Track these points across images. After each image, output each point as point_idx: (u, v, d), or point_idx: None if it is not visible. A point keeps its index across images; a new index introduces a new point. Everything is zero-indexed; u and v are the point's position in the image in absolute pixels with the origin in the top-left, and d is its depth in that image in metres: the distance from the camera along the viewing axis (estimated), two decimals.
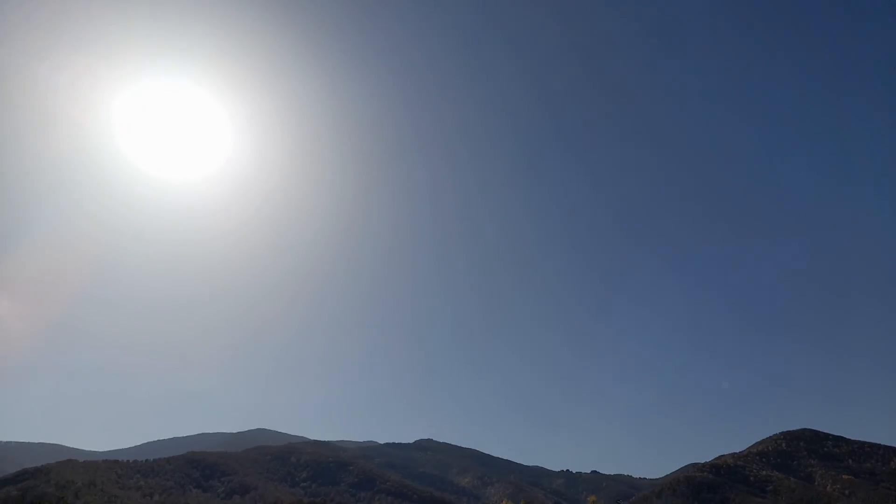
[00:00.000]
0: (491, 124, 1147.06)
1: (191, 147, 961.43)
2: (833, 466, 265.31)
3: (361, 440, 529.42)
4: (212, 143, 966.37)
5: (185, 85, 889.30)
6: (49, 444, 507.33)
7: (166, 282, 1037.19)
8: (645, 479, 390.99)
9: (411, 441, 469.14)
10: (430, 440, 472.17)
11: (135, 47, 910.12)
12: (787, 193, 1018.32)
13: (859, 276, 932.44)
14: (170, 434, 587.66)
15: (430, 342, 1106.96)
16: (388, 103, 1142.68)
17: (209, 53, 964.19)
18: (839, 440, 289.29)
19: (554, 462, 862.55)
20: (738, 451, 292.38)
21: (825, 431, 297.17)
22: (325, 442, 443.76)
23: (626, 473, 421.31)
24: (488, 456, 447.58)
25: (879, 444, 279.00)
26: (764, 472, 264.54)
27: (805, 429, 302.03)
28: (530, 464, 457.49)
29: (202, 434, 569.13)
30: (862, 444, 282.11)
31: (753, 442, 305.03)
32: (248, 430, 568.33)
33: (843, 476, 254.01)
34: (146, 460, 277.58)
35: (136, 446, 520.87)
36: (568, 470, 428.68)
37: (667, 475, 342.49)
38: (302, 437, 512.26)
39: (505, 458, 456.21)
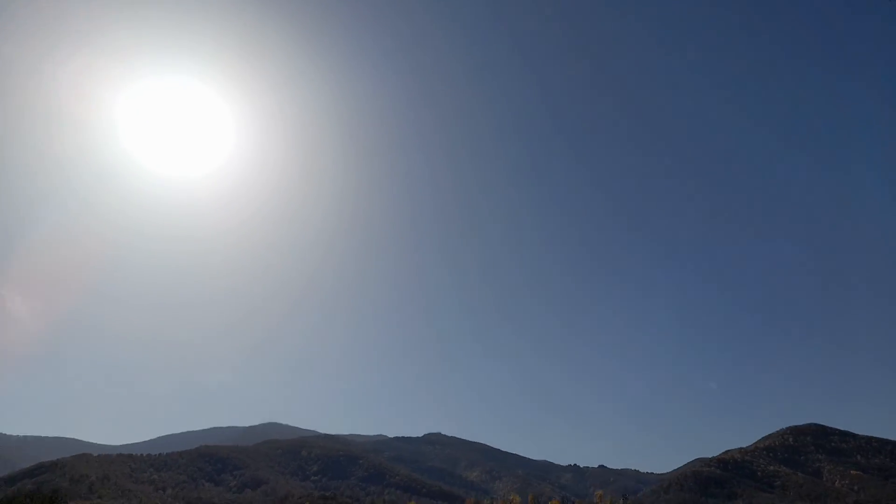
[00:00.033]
0: (494, 122, 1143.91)
1: (194, 144, 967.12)
2: (841, 462, 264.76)
3: (371, 434, 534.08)
4: (215, 140, 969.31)
5: (188, 82, 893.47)
6: (65, 438, 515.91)
7: (178, 278, 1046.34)
8: (652, 473, 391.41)
9: (420, 435, 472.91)
10: (439, 434, 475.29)
11: (138, 45, 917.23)
12: (789, 191, 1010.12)
13: (867, 270, 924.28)
14: (183, 428, 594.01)
15: (438, 337, 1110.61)
16: (390, 101, 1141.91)
17: (212, 51, 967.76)
18: (846, 435, 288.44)
19: (562, 456, 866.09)
20: (745, 446, 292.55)
21: (832, 426, 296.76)
22: (335, 436, 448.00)
23: (633, 468, 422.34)
24: (497, 450, 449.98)
25: (888, 440, 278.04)
26: (771, 468, 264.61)
27: (812, 423, 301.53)
28: (538, 458, 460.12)
29: (215, 428, 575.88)
30: (870, 440, 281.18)
31: (760, 437, 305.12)
32: (260, 425, 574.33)
33: (852, 471, 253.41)
34: (159, 454, 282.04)
35: (149, 440, 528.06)
36: (576, 464, 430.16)
37: (674, 470, 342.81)
38: (313, 431, 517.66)
39: (513, 452, 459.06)
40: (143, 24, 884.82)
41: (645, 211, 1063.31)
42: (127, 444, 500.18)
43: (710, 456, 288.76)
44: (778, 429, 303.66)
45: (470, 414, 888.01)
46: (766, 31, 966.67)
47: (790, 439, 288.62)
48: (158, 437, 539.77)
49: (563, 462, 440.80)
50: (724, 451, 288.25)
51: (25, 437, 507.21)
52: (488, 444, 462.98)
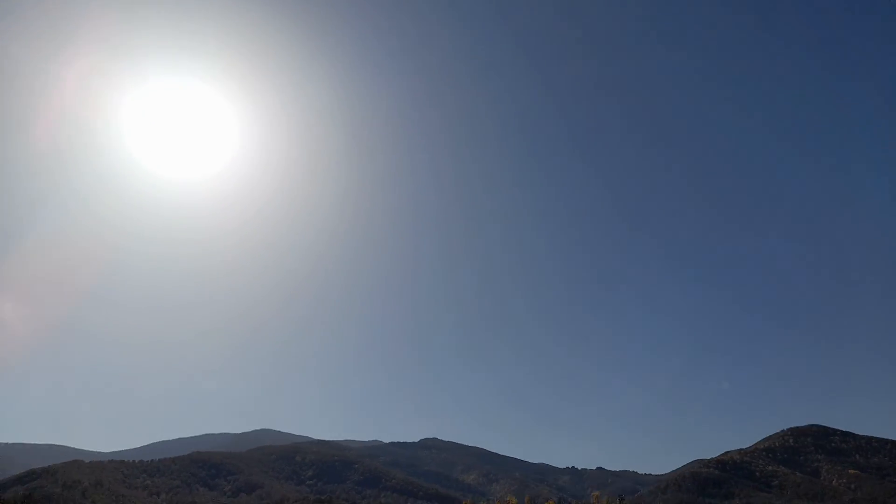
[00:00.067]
0: (497, 122, 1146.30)
1: (197, 145, 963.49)
2: (840, 462, 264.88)
3: (366, 440, 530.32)
4: (218, 142, 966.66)
5: (191, 83, 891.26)
6: (55, 445, 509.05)
7: (171, 282, 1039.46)
8: (650, 475, 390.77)
9: (416, 440, 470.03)
10: (435, 439, 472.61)
11: (143, 46, 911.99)
12: (789, 190, 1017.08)
13: (866, 271, 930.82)
14: (174, 435, 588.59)
15: (434, 341, 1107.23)
16: (394, 101, 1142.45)
17: (217, 52, 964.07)
18: (847, 435, 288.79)
19: (559, 459, 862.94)
20: (744, 447, 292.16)
21: (833, 427, 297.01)
22: (329, 441, 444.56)
23: (631, 470, 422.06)
24: (494, 454, 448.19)
25: (887, 439, 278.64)
26: (770, 468, 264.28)
27: (813, 424, 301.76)
28: (536, 461, 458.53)
29: (207, 435, 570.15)
30: (869, 440, 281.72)
31: (761, 438, 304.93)
32: (253, 431, 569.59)
33: (850, 471, 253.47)
34: (152, 460, 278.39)
35: (141, 447, 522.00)
36: (573, 466, 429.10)
37: (672, 471, 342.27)
38: (307, 437, 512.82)
39: (510, 455, 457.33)
40: (148, 25, 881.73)
41: (645, 210, 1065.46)
42: (118, 451, 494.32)
43: (710, 457, 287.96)
44: (779, 430, 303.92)
45: (467, 418, 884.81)
46: (766, 31, 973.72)
47: (790, 440, 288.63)
48: (150, 444, 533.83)
49: (561, 464, 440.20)
50: (723, 452, 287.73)
51: (15, 444, 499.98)
52: (485, 447, 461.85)
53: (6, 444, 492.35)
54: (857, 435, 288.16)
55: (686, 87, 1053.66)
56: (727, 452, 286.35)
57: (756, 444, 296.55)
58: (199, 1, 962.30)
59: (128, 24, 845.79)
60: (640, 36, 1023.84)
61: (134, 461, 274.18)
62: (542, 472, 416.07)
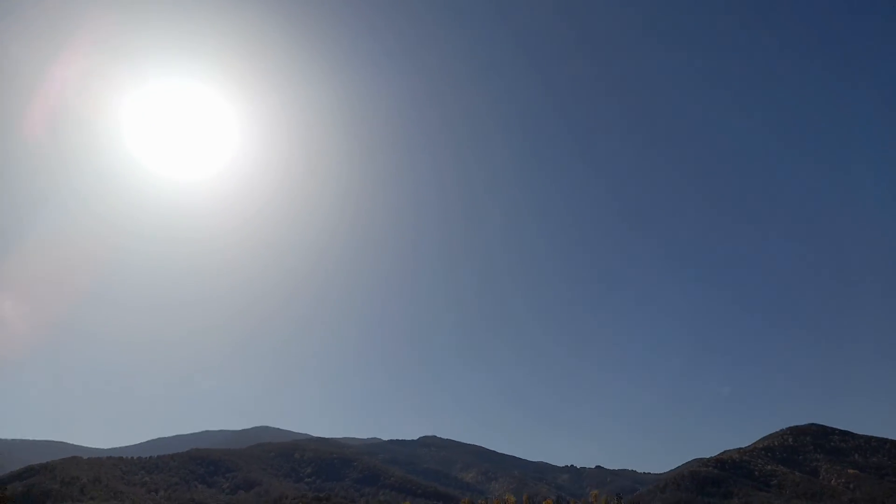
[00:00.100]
0: (498, 122, 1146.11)
1: (197, 146, 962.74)
2: (839, 461, 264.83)
3: (365, 437, 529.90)
4: (218, 142, 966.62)
5: (191, 84, 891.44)
6: (54, 441, 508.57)
7: (171, 280, 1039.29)
8: (650, 473, 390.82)
9: (415, 438, 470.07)
10: (434, 437, 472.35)
11: (143, 47, 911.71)
12: (789, 190, 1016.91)
13: (865, 271, 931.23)
14: (173, 432, 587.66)
15: (433, 339, 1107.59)
16: (394, 102, 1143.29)
17: (216, 53, 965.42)
18: (846, 435, 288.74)
19: (559, 457, 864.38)
20: (743, 447, 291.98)
21: (832, 426, 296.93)
22: (328, 439, 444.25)
23: (630, 468, 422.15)
24: (493, 452, 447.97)
25: (886, 439, 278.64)
26: (769, 467, 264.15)
27: (812, 424, 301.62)
28: (535, 459, 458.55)
29: (206, 432, 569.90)
30: (869, 439, 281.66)
31: (760, 437, 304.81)
32: (252, 428, 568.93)
33: (849, 470, 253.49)
34: (150, 457, 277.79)
35: (139, 444, 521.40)
36: (573, 465, 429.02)
37: (671, 470, 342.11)
38: (305, 434, 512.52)
39: (509, 454, 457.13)
40: (148, 26, 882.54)
41: (645, 210, 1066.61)
42: (116, 448, 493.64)
43: (709, 456, 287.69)
44: (778, 429, 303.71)
45: (466, 417, 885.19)
46: (767, 31, 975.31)
47: (790, 439, 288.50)
48: (148, 441, 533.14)
49: (560, 463, 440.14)
50: (722, 451, 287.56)
51: (14, 440, 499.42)
52: (484, 445, 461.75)
53: (5, 440, 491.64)
54: (857, 434, 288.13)
55: (686, 87, 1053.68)
56: (726, 451, 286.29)
57: (755, 443, 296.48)
58: (198, 2, 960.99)
59: (128, 25, 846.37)
60: (640, 36, 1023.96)
61: (132, 458, 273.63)
62: (541, 471, 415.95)
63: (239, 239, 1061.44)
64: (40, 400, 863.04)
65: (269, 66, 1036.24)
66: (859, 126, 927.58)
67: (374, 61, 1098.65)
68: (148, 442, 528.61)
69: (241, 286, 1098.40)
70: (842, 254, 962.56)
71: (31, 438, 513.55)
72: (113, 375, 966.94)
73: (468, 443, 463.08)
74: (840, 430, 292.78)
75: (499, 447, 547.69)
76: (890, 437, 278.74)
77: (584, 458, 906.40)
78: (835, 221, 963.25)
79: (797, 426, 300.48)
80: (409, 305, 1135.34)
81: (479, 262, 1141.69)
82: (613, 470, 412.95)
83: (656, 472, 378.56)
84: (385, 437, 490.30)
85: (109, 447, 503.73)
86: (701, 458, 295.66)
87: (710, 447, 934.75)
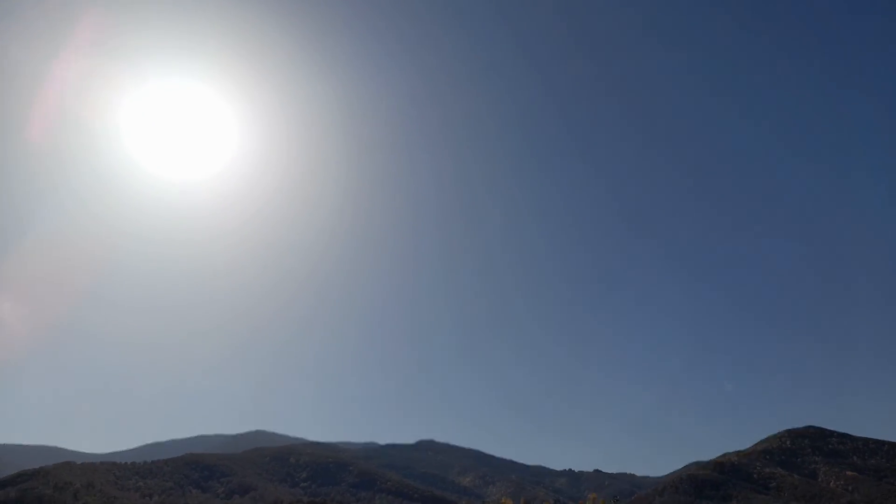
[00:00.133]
0: (498, 122, 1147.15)
1: (196, 146, 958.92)
2: (837, 463, 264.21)
3: (361, 441, 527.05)
4: (217, 142, 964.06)
5: (191, 84, 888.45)
6: (47, 446, 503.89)
7: (167, 282, 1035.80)
8: (648, 477, 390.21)
9: (412, 442, 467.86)
10: (431, 441, 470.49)
11: (142, 47, 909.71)
12: (789, 191, 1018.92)
13: (863, 272, 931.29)
14: (168, 436, 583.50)
15: (431, 342, 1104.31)
16: (394, 102, 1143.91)
17: (216, 53, 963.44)
18: (844, 437, 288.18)
19: (556, 461, 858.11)
20: (742, 450, 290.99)
21: (830, 429, 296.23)
22: (324, 443, 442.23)
23: (628, 472, 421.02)
24: (490, 456, 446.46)
25: (884, 441, 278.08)
26: (768, 470, 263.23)
27: (810, 426, 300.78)
28: (533, 463, 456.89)
29: (200, 436, 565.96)
30: (867, 441, 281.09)
31: (758, 440, 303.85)
32: (247, 432, 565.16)
33: (847, 472, 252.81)
34: (144, 462, 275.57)
35: (133, 448, 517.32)
36: (570, 469, 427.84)
37: (669, 473, 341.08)
38: (301, 438, 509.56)
39: (507, 457, 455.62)
40: (147, 26, 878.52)
41: (644, 210, 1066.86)
42: (110, 453, 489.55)
43: (707, 459, 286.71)
44: (777, 432, 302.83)
45: (463, 420, 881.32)
46: (766, 31, 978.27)
47: (788, 442, 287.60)
48: (143, 446, 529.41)
49: (558, 467, 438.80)
50: (721, 454, 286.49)
51: (6, 444, 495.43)
52: (482, 449, 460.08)
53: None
54: (855, 436, 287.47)
55: (686, 88, 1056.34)
56: (725, 454, 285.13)
57: (753, 445, 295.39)
58: (198, 2, 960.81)
59: (127, 25, 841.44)
60: (640, 36, 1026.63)
61: (126, 463, 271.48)
62: (539, 475, 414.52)
63: (238, 240, 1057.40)
64: (35, 404, 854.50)
65: (268, 65, 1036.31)
66: (860, 126, 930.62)
67: (374, 61, 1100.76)
68: (143, 446, 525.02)
69: (238, 288, 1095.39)
70: (839, 255, 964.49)
71: (25, 443, 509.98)
72: (108, 379, 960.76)
73: (465, 447, 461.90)
74: (838, 433, 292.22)
75: (496, 451, 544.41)
76: (888, 439, 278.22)
77: (582, 461, 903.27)
78: (834, 222, 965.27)
79: (795, 429, 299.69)
80: (407, 308, 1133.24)
81: (477, 264, 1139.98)
82: (611, 473, 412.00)
83: (654, 476, 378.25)
84: (382, 442, 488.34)
85: (104, 452, 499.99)
86: (699, 462, 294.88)
87: (707, 450, 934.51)
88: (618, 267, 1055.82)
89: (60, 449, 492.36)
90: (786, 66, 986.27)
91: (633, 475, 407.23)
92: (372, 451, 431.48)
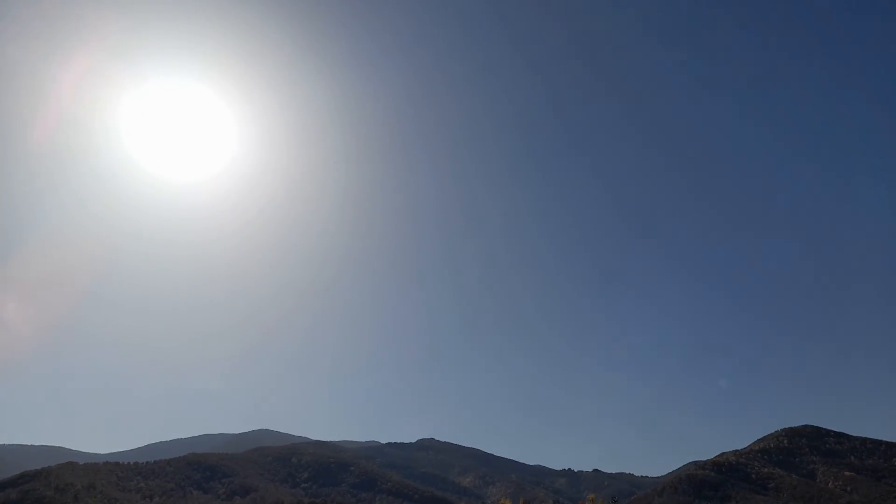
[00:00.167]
0: (495, 122, 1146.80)
1: (196, 147, 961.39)
2: (835, 463, 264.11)
3: (363, 440, 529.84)
4: (217, 143, 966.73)
5: (190, 84, 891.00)
6: (50, 446, 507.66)
7: (169, 283, 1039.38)
8: (647, 477, 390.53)
9: (413, 440, 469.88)
10: (431, 439, 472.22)
11: (141, 47, 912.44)
12: (788, 190, 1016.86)
13: (861, 271, 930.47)
14: (172, 436, 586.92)
15: (432, 341, 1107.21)
16: (393, 102, 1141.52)
17: (215, 52, 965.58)
18: (841, 437, 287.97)
19: (556, 461, 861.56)
20: (739, 449, 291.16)
21: (827, 428, 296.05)
22: (326, 442, 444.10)
23: (627, 472, 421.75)
24: (490, 455, 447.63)
25: (881, 441, 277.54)
26: (766, 470, 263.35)
27: (807, 425, 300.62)
28: (532, 463, 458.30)
29: (204, 435, 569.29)
30: (864, 441, 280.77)
31: (755, 439, 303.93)
32: (251, 431, 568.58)
33: (845, 473, 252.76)
34: (146, 462, 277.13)
35: (137, 448, 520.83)
36: (570, 469, 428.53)
37: (668, 473, 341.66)
38: (304, 437, 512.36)
39: (507, 457, 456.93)
40: (146, 26, 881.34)
41: (643, 210, 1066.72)
42: (115, 453, 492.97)
43: (705, 459, 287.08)
44: (773, 430, 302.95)
45: (463, 419, 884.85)
46: (765, 31, 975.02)
47: (785, 441, 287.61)
48: (147, 445, 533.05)
49: (558, 466, 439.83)
50: (719, 453, 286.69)
51: (9, 445, 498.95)
52: (482, 448, 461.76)
53: (1, 445, 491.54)
54: (852, 436, 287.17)
55: (686, 87, 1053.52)
56: (723, 454, 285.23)
57: (751, 445, 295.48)
58: (197, 2, 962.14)
59: (126, 25, 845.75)
60: (639, 36, 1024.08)
61: (129, 463, 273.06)
62: (539, 475, 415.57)
63: (239, 241, 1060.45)
64: (39, 404, 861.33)
65: (268, 66, 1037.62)
66: (860, 126, 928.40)
67: (373, 61, 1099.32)
68: (147, 446, 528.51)
69: (241, 289, 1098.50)
70: (836, 254, 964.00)
71: (28, 443, 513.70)
72: (111, 378, 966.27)
73: (466, 445, 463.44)
74: (835, 432, 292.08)
75: (496, 450, 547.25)
76: (884, 439, 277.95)
77: (582, 461, 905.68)
78: (833, 222, 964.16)
79: (792, 427, 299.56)
80: (409, 307, 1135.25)
81: (478, 263, 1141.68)
82: (611, 473, 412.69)
83: (653, 476, 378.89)
84: (383, 440, 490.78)
85: (108, 452, 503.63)
86: (697, 461, 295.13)
87: (704, 448, 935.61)
88: (618, 267, 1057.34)
89: (64, 449, 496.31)
90: (786, 66, 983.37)
91: (632, 475, 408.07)
92: (373, 450, 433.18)
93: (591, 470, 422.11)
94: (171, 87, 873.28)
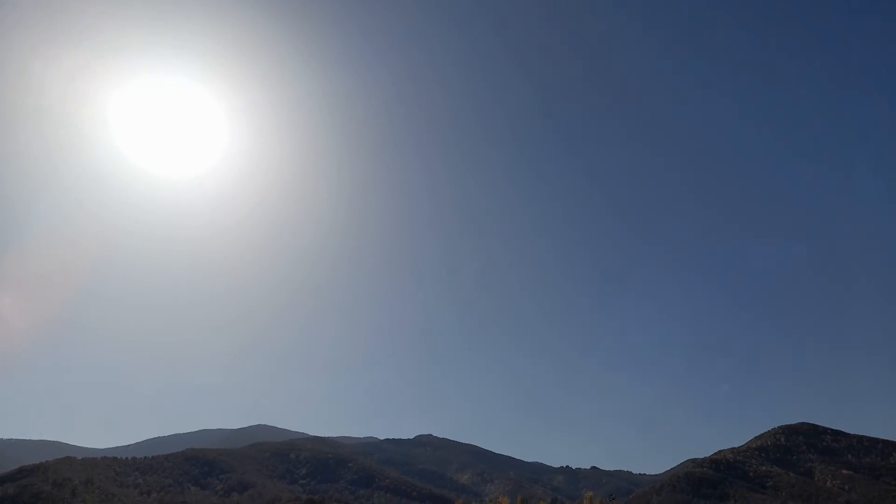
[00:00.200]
0: (490, 121, 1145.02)
1: (188, 143, 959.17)
2: (832, 461, 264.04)
3: (361, 436, 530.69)
4: (209, 139, 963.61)
5: (181, 81, 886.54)
6: (49, 441, 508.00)
7: (166, 278, 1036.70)
8: (645, 474, 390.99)
9: (411, 437, 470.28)
10: (430, 436, 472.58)
11: (131, 44, 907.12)
12: (787, 191, 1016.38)
13: (859, 271, 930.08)
14: (171, 431, 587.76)
15: (430, 338, 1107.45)
16: (386, 100, 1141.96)
17: (206, 49, 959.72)
18: (838, 434, 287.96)
19: (554, 458, 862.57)
20: (737, 446, 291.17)
21: (823, 426, 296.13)
22: (324, 438, 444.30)
23: (625, 469, 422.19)
24: (488, 452, 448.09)
25: (878, 439, 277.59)
26: (763, 468, 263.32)
27: (803, 423, 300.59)
28: (530, 460, 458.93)
29: (203, 430, 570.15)
30: (861, 439, 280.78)
31: (752, 436, 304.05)
32: (249, 427, 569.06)
33: (843, 471, 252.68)
34: (144, 458, 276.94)
35: (136, 443, 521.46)
36: (568, 466, 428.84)
37: (666, 471, 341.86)
38: (302, 433, 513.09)
39: (505, 454, 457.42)
40: (136, 23, 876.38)
41: (642, 210, 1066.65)
42: (113, 447, 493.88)
43: (702, 456, 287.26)
44: (770, 428, 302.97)
45: (461, 415, 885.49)
46: (765, 31, 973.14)
47: (782, 439, 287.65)
48: (146, 440, 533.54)
49: (556, 464, 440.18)
50: (716, 451, 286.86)
51: (8, 439, 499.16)
52: (480, 445, 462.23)
53: (1, 440, 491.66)
54: (848, 434, 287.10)
55: (686, 87, 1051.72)
56: (720, 452, 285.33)
57: (748, 442, 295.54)
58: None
59: (115, 22, 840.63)
60: (638, 35, 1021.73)
61: (127, 458, 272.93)
62: (537, 472, 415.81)
63: (235, 236, 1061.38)
64: (36, 399, 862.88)
65: (260, 63, 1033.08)
66: (860, 126, 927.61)
67: (366, 60, 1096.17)
68: (145, 441, 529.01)
69: (238, 284, 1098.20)
70: (835, 254, 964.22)
71: (26, 438, 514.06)
72: (110, 374, 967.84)
73: (464, 442, 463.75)
74: (832, 430, 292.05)
75: (494, 447, 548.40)
76: (881, 437, 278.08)
77: (580, 458, 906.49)
78: (832, 222, 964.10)
79: (789, 425, 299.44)
80: (407, 303, 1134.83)
81: (476, 260, 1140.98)
82: (609, 471, 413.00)
83: (651, 473, 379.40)
84: (381, 436, 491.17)
85: (106, 447, 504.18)
86: (695, 459, 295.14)
87: (702, 446, 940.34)
88: (618, 266, 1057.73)
89: (62, 444, 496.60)
90: (786, 66, 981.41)
91: (630, 472, 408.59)
92: (371, 447, 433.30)
93: (589, 467, 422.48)
94: (163, 85, 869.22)
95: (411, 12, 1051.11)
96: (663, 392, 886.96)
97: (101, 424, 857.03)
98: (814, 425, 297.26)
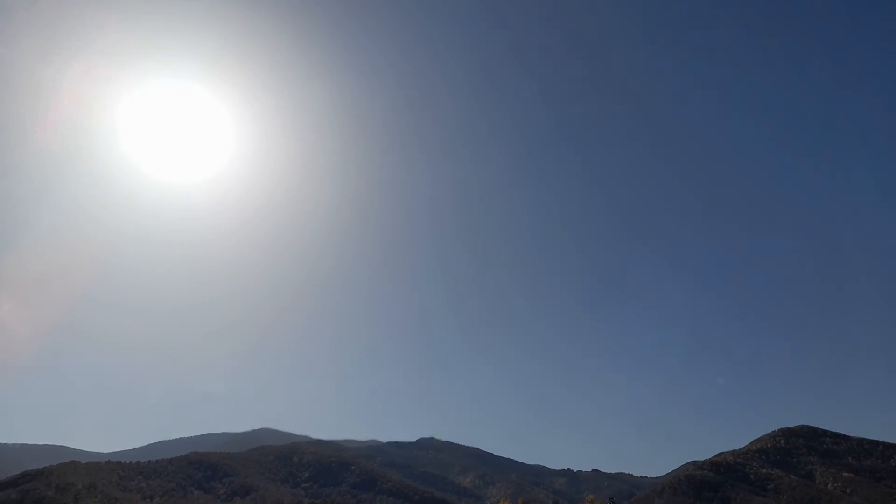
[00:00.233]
0: (494, 123, 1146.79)
1: (194, 148, 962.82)
2: (833, 464, 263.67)
3: (364, 439, 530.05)
4: (215, 144, 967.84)
5: (188, 86, 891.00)
6: (52, 445, 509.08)
7: (170, 283, 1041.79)
8: (646, 477, 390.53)
9: (414, 439, 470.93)
10: (432, 438, 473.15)
11: (138, 48, 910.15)
12: (786, 191, 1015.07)
13: (858, 272, 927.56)
14: (175, 435, 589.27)
15: (433, 340, 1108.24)
16: (391, 103, 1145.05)
17: (213, 54, 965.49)
18: (838, 437, 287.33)
19: (555, 461, 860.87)
20: (737, 449, 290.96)
21: (824, 428, 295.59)
22: (327, 441, 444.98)
23: (626, 472, 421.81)
24: (490, 454, 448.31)
25: (879, 441, 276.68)
26: (764, 470, 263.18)
27: (804, 425, 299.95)
28: (532, 462, 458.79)
29: (207, 434, 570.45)
30: (861, 441, 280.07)
31: (752, 439, 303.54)
32: (253, 430, 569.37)
33: (844, 474, 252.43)
34: (148, 462, 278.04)
35: (140, 447, 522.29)
36: (569, 469, 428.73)
37: (667, 473, 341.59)
38: (306, 436, 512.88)
39: (507, 456, 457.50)
40: (144, 28, 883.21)
41: (642, 209, 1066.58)
42: (117, 452, 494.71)
43: (703, 459, 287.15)
44: (770, 430, 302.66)
45: (463, 418, 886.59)
46: (765, 31, 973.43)
47: (782, 441, 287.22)
48: (150, 444, 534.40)
49: (557, 466, 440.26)
50: (717, 453, 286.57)
51: (12, 444, 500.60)
52: (482, 448, 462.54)
53: (4, 444, 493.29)
54: (849, 436, 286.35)
55: (685, 87, 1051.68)
56: (720, 454, 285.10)
57: (748, 445, 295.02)
58: (195, 4, 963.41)
59: (124, 27, 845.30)
60: (638, 37, 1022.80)
61: (130, 462, 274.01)
62: (539, 475, 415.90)
63: (238, 241, 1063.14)
64: (39, 403, 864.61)
65: (266, 67, 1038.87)
66: (860, 126, 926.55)
67: (371, 63, 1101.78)
68: (149, 445, 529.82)
69: (241, 288, 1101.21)
70: (836, 254, 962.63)
71: (30, 443, 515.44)
72: (114, 378, 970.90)
73: (466, 445, 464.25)
74: (832, 432, 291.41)
75: (496, 449, 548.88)
76: (881, 440, 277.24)
77: (581, 461, 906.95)
78: (832, 222, 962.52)
79: (788, 427, 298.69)
80: (409, 306, 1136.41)
81: (478, 263, 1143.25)
82: (610, 473, 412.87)
83: (652, 476, 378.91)
84: (384, 439, 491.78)
85: (110, 451, 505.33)
86: (696, 461, 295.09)
87: (702, 448, 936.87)
88: (616, 267, 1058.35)
89: (67, 448, 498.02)
90: (786, 66, 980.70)
91: (631, 475, 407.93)
92: (374, 450, 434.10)
93: (590, 470, 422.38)
94: (168, 89, 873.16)
95: (414, 14, 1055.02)
96: (663, 394, 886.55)
97: (105, 429, 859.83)
98: (813, 428, 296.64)
